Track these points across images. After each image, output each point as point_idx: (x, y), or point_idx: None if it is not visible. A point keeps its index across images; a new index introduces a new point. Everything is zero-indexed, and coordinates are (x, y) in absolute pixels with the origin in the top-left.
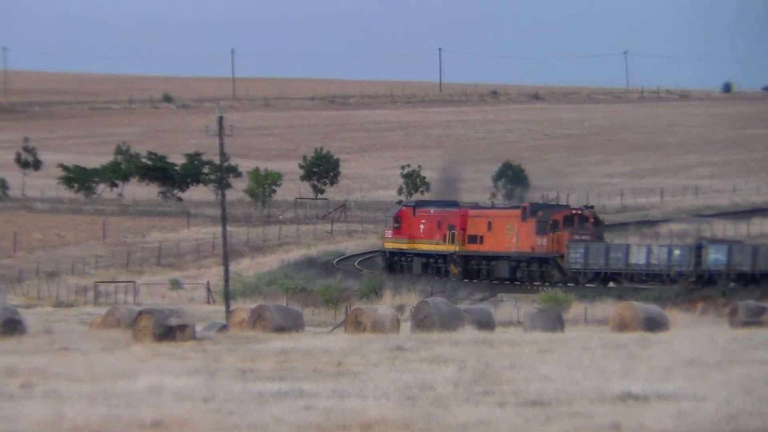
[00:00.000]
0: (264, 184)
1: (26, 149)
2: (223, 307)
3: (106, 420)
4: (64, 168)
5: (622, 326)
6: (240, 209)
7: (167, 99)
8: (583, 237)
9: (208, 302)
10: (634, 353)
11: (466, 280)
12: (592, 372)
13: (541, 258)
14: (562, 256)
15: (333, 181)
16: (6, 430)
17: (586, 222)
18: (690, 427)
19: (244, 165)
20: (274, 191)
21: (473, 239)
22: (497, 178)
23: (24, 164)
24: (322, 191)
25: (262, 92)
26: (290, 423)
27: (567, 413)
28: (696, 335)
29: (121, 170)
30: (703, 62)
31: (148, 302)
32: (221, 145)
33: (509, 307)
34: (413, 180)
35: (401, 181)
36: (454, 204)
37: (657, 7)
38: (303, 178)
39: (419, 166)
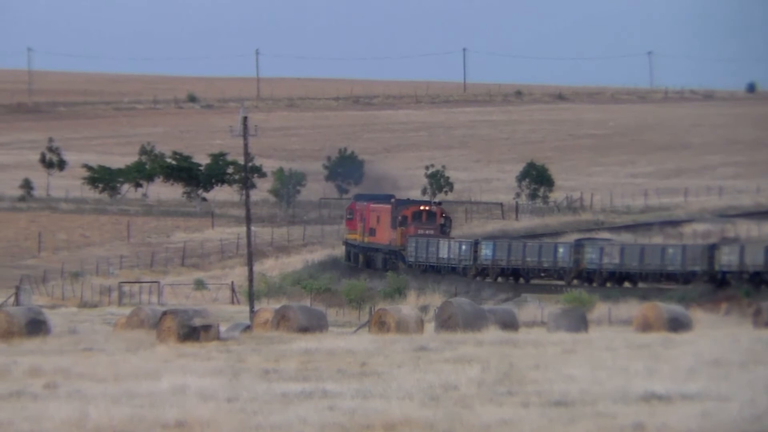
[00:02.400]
0: (288, 184)
1: (51, 149)
2: (247, 308)
3: (130, 420)
4: (89, 168)
5: (646, 327)
6: (264, 209)
7: (192, 99)
8: (427, 232)
9: (233, 303)
10: (658, 353)
11: (483, 279)
12: (616, 372)
13: (394, 251)
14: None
15: (357, 181)
16: (30, 430)
17: (433, 218)
18: (714, 428)
19: (269, 165)
20: (299, 191)
21: (372, 232)
22: (521, 178)
23: (49, 164)
24: (346, 191)
25: (286, 92)
26: (314, 423)
27: (591, 413)
28: (720, 335)
29: (145, 170)
30: (727, 62)
31: (173, 303)
32: (245, 146)
33: (533, 307)
34: (437, 180)
35: (425, 181)
36: (387, 198)
37: (681, 7)
38: (327, 178)
39: (443, 166)
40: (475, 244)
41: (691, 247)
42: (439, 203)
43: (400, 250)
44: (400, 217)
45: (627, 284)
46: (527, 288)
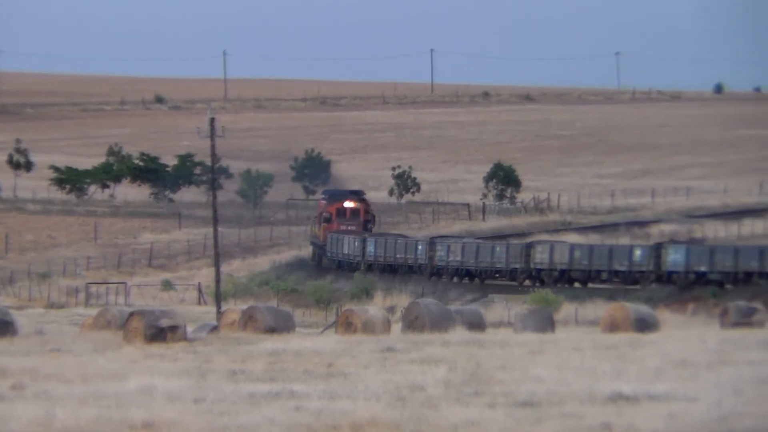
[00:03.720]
0: (255, 185)
1: (18, 150)
2: (214, 308)
3: (96, 421)
4: (56, 169)
5: (613, 327)
6: (231, 210)
7: (159, 100)
8: (350, 228)
9: (199, 303)
10: (625, 354)
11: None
12: (583, 373)
13: (323, 246)
14: None
15: (324, 182)
16: None
17: (357, 215)
18: (681, 428)
19: (236, 166)
20: (266, 192)
21: (328, 228)
22: (488, 178)
23: (16, 165)
24: (313, 192)
25: (253, 93)
26: (281, 424)
27: (557, 414)
28: (687, 336)
29: (112, 171)
30: (695, 63)
31: (140, 303)
32: (213, 147)
33: (500, 308)
34: (404, 181)
35: (392, 182)
36: (356, 194)
37: (648, 8)
38: (294, 179)
39: (410, 167)
40: (431, 243)
41: (639, 247)
42: (363, 199)
43: (324, 246)
44: (325, 214)
45: (577, 284)
46: (494, 288)
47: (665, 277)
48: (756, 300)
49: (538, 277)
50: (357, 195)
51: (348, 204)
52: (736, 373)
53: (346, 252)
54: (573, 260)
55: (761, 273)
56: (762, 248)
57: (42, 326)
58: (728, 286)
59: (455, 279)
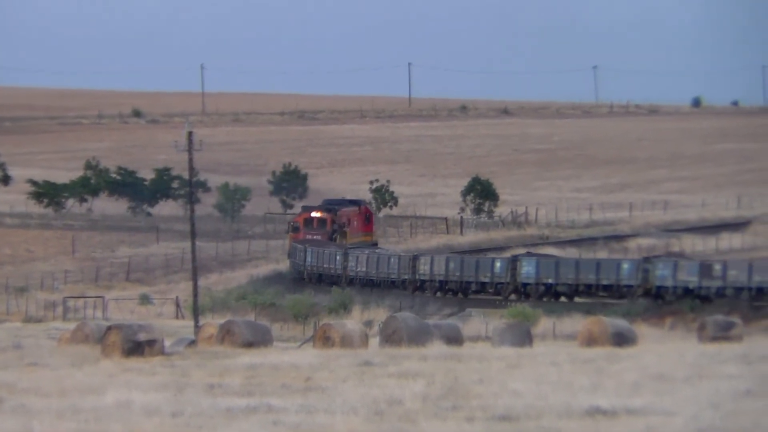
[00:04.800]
0: (233, 198)
1: None
2: (191, 322)
3: None
4: (34, 183)
5: (591, 341)
6: (209, 224)
7: (137, 114)
8: (315, 237)
9: (177, 317)
10: (603, 368)
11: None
12: (561, 387)
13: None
14: None
15: (302, 195)
16: None
17: (323, 224)
18: None
19: (214, 180)
20: (243, 206)
21: (294, 237)
22: (466, 192)
23: None
24: (291, 206)
25: (231, 107)
26: None
27: (535, 428)
28: (664, 350)
29: (90, 185)
30: (673, 77)
31: (117, 317)
32: (190, 160)
33: (478, 322)
34: (382, 195)
35: (370, 196)
36: (353, 203)
37: (626, 22)
38: (272, 193)
39: (388, 181)
40: (345, 255)
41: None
42: (330, 210)
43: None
44: (293, 224)
45: (563, 299)
46: (472, 302)
47: (521, 288)
48: (734, 314)
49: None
50: (356, 204)
51: (315, 214)
52: (714, 387)
53: (302, 261)
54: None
55: (598, 285)
56: (599, 261)
57: (19, 340)
58: (578, 299)
59: (438, 294)
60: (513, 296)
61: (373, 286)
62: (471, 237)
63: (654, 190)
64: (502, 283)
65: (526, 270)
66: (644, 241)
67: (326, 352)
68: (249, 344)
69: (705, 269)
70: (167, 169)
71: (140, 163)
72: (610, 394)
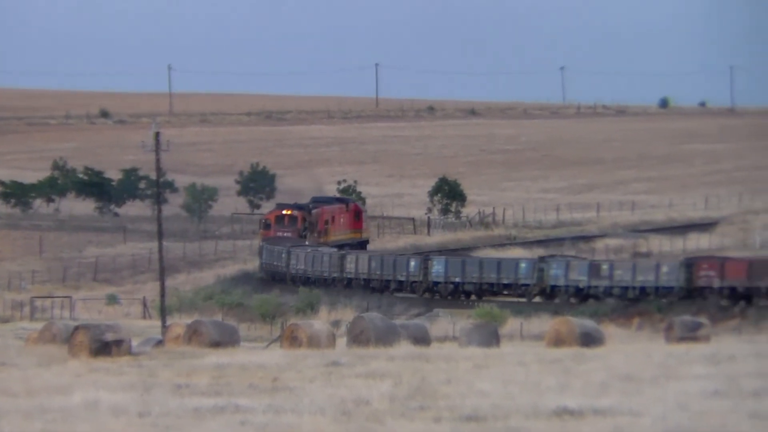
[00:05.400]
0: (200, 199)
1: None
2: (159, 323)
3: None
4: (1, 183)
5: (558, 341)
6: (176, 224)
7: (104, 115)
8: (285, 234)
9: (144, 317)
10: (570, 368)
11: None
12: (528, 387)
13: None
14: None
15: (269, 196)
16: None
17: (294, 222)
18: None
19: (181, 180)
20: (211, 206)
21: (265, 235)
22: (433, 193)
23: None
24: (258, 206)
25: (198, 108)
26: None
27: (502, 428)
28: (632, 350)
29: (57, 185)
30: (640, 78)
31: (85, 317)
32: (158, 161)
33: (445, 322)
34: (349, 195)
35: (337, 196)
36: (339, 201)
37: (593, 23)
38: (239, 193)
39: (355, 181)
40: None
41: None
42: (301, 208)
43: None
44: (264, 221)
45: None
46: (439, 303)
47: (431, 287)
48: (701, 315)
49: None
50: (343, 201)
51: (286, 212)
52: (681, 387)
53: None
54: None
55: (498, 284)
56: (500, 261)
57: None
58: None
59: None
60: (427, 295)
61: (311, 283)
62: (438, 237)
63: (621, 190)
64: (416, 281)
65: (436, 269)
66: (612, 242)
67: (293, 352)
68: (216, 344)
69: (594, 269)
70: (135, 170)
71: (108, 164)
72: (578, 394)
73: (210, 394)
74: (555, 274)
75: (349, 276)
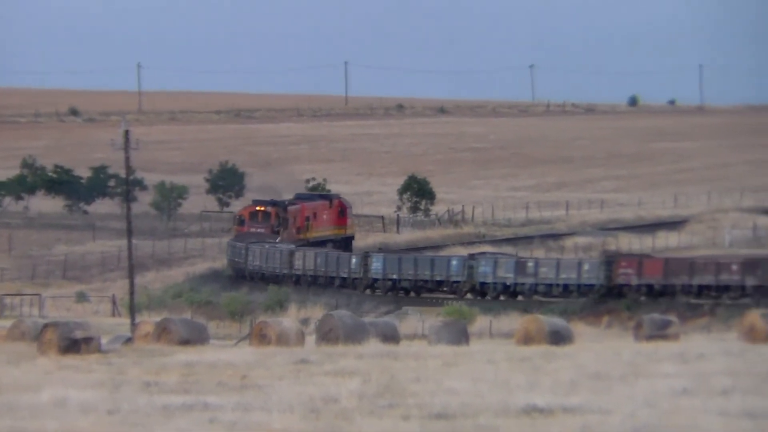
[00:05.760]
0: (169, 197)
1: None
2: (128, 320)
3: None
4: None
5: (527, 339)
6: (146, 222)
7: (74, 113)
8: (258, 230)
9: (114, 315)
10: (539, 366)
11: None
12: (497, 385)
13: None
14: None
15: (238, 194)
16: None
17: (267, 218)
18: None
19: (150, 178)
20: (180, 204)
21: (238, 230)
22: (402, 191)
23: None
24: (227, 204)
25: (168, 106)
26: None
27: (472, 426)
28: (601, 348)
29: (27, 183)
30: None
31: (54, 315)
32: (127, 159)
33: (414, 320)
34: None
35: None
36: (326, 197)
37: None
38: (208, 191)
39: (324, 179)
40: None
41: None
42: (275, 204)
43: None
44: (238, 217)
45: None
46: (408, 300)
47: (371, 283)
48: (670, 313)
49: (375, 286)
50: (327, 198)
51: (259, 208)
52: (650, 385)
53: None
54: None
55: (432, 281)
56: (433, 258)
57: None
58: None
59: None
60: (368, 291)
61: (266, 279)
62: (408, 236)
63: (590, 188)
64: (357, 278)
65: (375, 266)
66: (581, 240)
67: (262, 350)
68: (185, 342)
69: (520, 267)
70: (104, 168)
71: (77, 162)
72: (547, 392)
73: (179, 392)
74: (484, 271)
75: (297, 273)
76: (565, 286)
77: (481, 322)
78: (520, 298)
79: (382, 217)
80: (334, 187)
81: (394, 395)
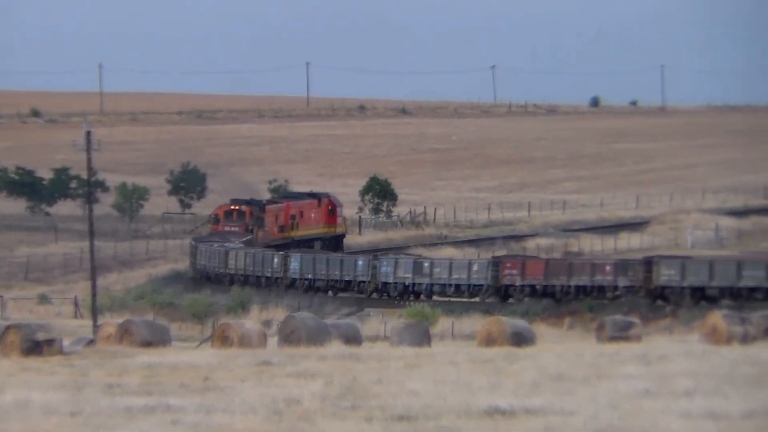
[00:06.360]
0: (131, 198)
1: None
2: (90, 322)
3: None
4: None
5: (490, 341)
6: (107, 224)
7: (35, 114)
8: (233, 229)
9: (76, 317)
10: (502, 368)
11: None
12: (459, 387)
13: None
14: None
15: (200, 195)
16: None
17: (242, 217)
18: None
19: (112, 179)
20: (142, 206)
21: (213, 229)
22: (364, 192)
23: None
24: (189, 206)
25: (129, 107)
26: None
27: (434, 428)
28: (563, 350)
29: None
30: (571, 77)
31: (16, 317)
32: (89, 160)
33: (376, 321)
34: (280, 194)
35: (269, 195)
36: (314, 195)
37: (523, 22)
38: (170, 192)
39: (286, 180)
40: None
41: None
42: (250, 202)
43: None
44: (214, 215)
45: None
46: (371, 302)
47: (291, 283)
48: (632, 314)
49: (293, 285)
50: (315, 197)
51: (234, 207)
52: (613, 387)
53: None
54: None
55: (341, 281)
56: (342, 258)
57: None
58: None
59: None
60: (291, 290)
61: (209, 278)
62: (370, 237)
63: (552, 189)
64: (278, 277)
65: (293, 266)
66: (543, 241)
67: (225, 352)
68: (147, 344)
69: (417, 267)
70: (66, 169)
71: (39, 163)
72: (509, 394)
73: (141, 394)
74: (385, 271)
75: (230, 272)
76: (457, 286)
77: (444, 323)
78: (422, 297)
79: (344, 219)
80: (296, 188)
81: (357, 397)
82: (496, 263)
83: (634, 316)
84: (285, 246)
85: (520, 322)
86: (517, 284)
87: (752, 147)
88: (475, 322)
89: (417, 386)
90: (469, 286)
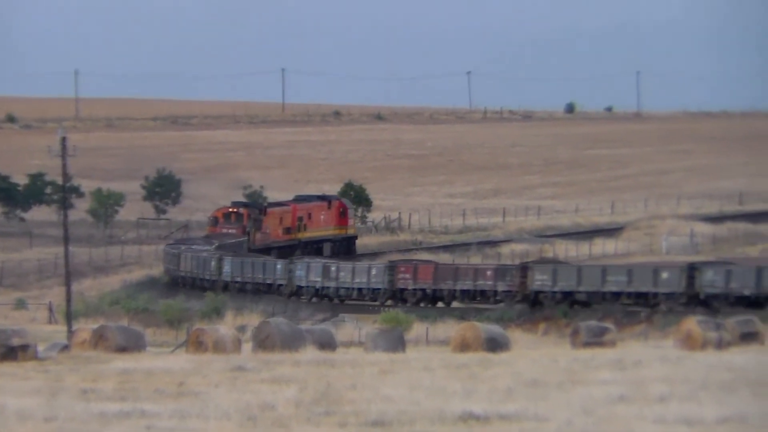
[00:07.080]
0: (106, 204)
1: None
2: (65, 328)
3: None
4: None
5: (464, 347)
6: (82, 229)
7: (10, 119)
8: (230, 231)
9: (50, 322)
10: (476, 374)
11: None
12: (434, 392)
13: (256, 251)
14: None
15: (175, 201)
16: None
17: (240, 219)
18: None
19: (87, 185)
20: (117, 211)
21: (211, 230)
22: (340, 197)
23: None
24: (164, 212)
25: (105, 113)
26: None
27: None
28: (538, 356)
29: None
30: (546, 83)
31: None
32: (64, 166)
33: (351, 327)
34: (256, 200)
35: (244, 201)
36: (324, 198)
37: (498, 27)
38: (145, 198)
39: (261, 186)
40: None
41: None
42: (246, 205)
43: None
44: (212, 217)
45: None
46: (345, 308)
47: (225, 285)
48: (607, 320)
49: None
50: (325, 199)
51: (232, 209)
52: (587, 392)
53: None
54: None
55: (264, 284)
56: (264, 262)
57: None
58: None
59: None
60: (227, 292)
61: (183, 282)
62: None
63: (527, 195)
64: (215, 279)
65: (227, 269)
66: (518, 247)
67: (199, 357)
68: (122, 349)
69: (325, 271)
70: (41, 175)
71: (14, 168)
72: (483, 399)
73: (116, 399)
74: (299, 275)
75: (182, 273)
76: (359, 290)
77: (418, 329)
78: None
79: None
80: (271, 194)
81: (331, 403)
82: (392, 268)
83: (609, 321)
84: (291, 248)
85: (494, 328)
86: (410, 288)
87: (727, 153)
88: (450, 328)
89: (391, 392)
90: (369, 290)
